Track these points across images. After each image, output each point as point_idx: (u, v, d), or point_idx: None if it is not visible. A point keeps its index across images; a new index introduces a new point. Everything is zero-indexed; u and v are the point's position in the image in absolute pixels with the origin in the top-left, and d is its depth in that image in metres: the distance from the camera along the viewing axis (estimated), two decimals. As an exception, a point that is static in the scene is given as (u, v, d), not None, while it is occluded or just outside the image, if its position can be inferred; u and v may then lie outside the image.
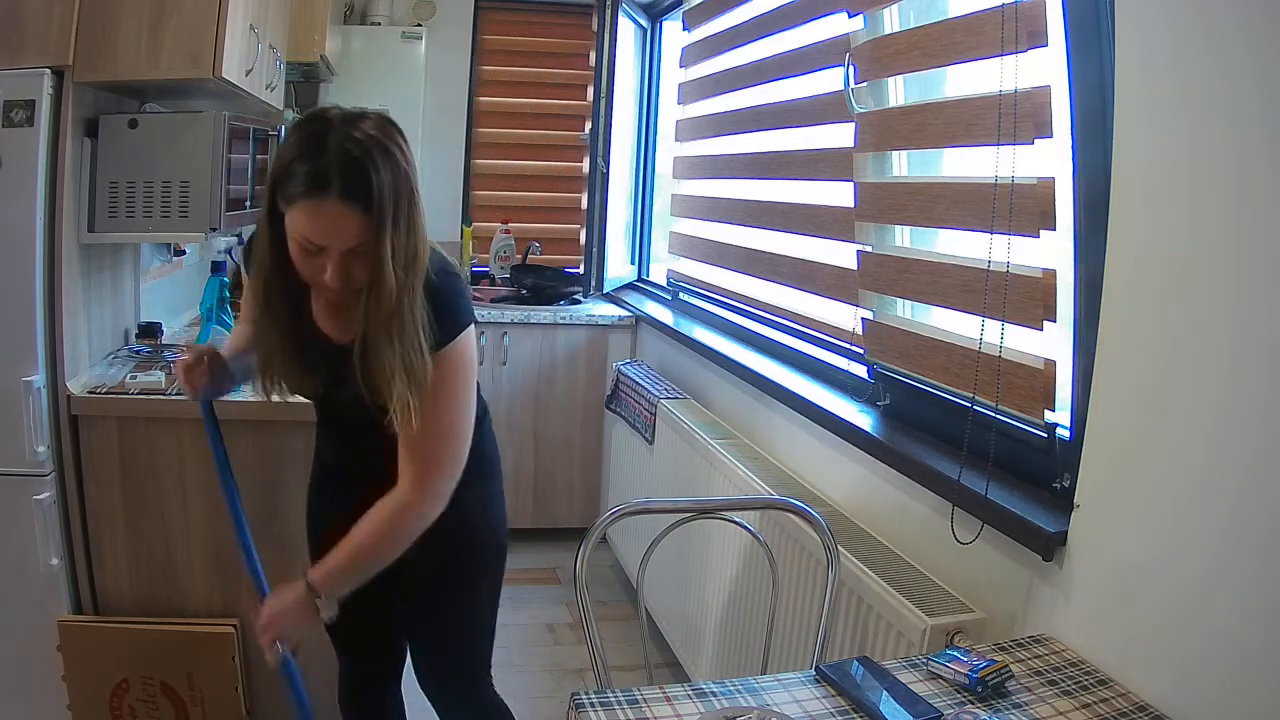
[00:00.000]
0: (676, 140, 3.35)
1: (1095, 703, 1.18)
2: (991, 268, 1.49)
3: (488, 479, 1.66)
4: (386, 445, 1.45)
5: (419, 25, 3.78)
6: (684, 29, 3.25)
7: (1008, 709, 1.16)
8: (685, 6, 3.23)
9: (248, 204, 2.45)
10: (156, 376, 2.10)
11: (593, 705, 1.15)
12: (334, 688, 1.85)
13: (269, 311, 1.44)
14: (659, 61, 3.90)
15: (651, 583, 1.79)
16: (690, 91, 3.21)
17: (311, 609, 1.43)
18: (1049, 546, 1.36)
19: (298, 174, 1.27)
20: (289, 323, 1.45)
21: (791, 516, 1.68)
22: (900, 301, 1.90)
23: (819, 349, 2.31)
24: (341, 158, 1.26)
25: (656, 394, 2.83)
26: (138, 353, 2.35)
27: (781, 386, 2.22)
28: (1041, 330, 1.45)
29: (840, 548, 1.58)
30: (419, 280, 1.36)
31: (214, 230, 2.17)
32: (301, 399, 1.56)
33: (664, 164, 3.74)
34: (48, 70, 1.88)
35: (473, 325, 1.47)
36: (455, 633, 1.70)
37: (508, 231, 3.94)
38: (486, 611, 1.73)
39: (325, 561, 1.45)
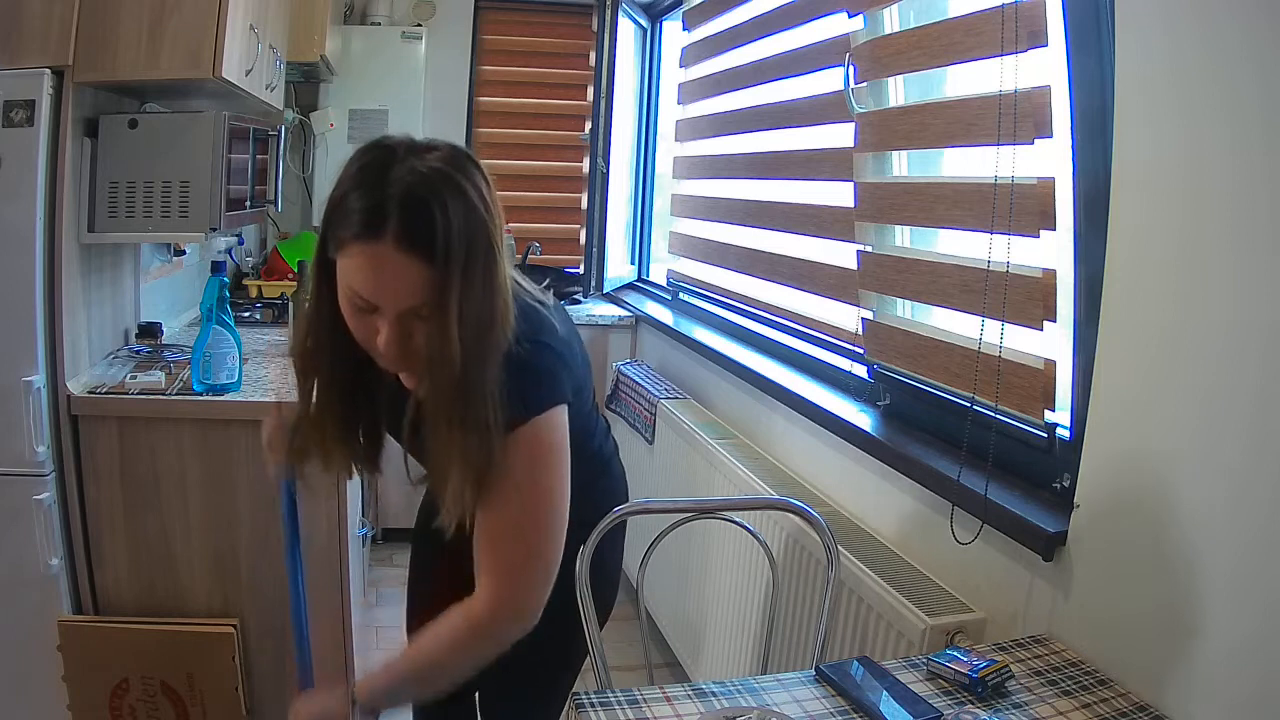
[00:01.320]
0: (676, 140, 3.34)
1: (1095, 703, 1.18)
2: (991, 268, 1.49)
3: (596, 481, 1.38)
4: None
5: (419, 25, 3.78)
6: (684, 29, 3.25)
7: (1008, 709, 1.16)
8: (685, 6, 3.23)
9: (248, 204, 2.45)
10: (156, 376, 2.10)
11: (593, 705, 1.15)
12: None
13: (312, 375, 1.23)
14: (659, 61, 3.90)
15: (651, 583, 1.79)
16: (690, 91, 3.21)
17: None
18: (1049, 546, 1.36)
19: (352, 211, 1.06)
20: (339, 386, 1.23)
21: (791, 516, 1.68)
22: (900, 301, 1.90)
23: (819, 349, 2.31)
24: (404, 193, 1.04)
25: (656, 394, 2.83)
26: (138, 353, 2.35)
27: (781, 386, 2.22)
28: (1041, 330, 1.45)
29: (840, 548, 1.58)
30: (494, 352, 1.10)
31: (214, 230, 2.17)
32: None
33: (664, 164, 3.73)
34: (48, 70, 1.88)
35: (562, 408, 1.19)
36: (497, 696, 1.48)
37: (507, 231, 3.91)
38: (535, 687, 1.47)
39: (378, 673, 1.22)
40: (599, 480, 1.50)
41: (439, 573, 1.33)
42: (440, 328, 1.05)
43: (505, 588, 1.16)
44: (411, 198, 1.04)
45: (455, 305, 1.05)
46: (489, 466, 1.12)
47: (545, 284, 1.35)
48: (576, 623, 1.38)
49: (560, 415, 1.20)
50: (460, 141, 4.14)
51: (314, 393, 1.24)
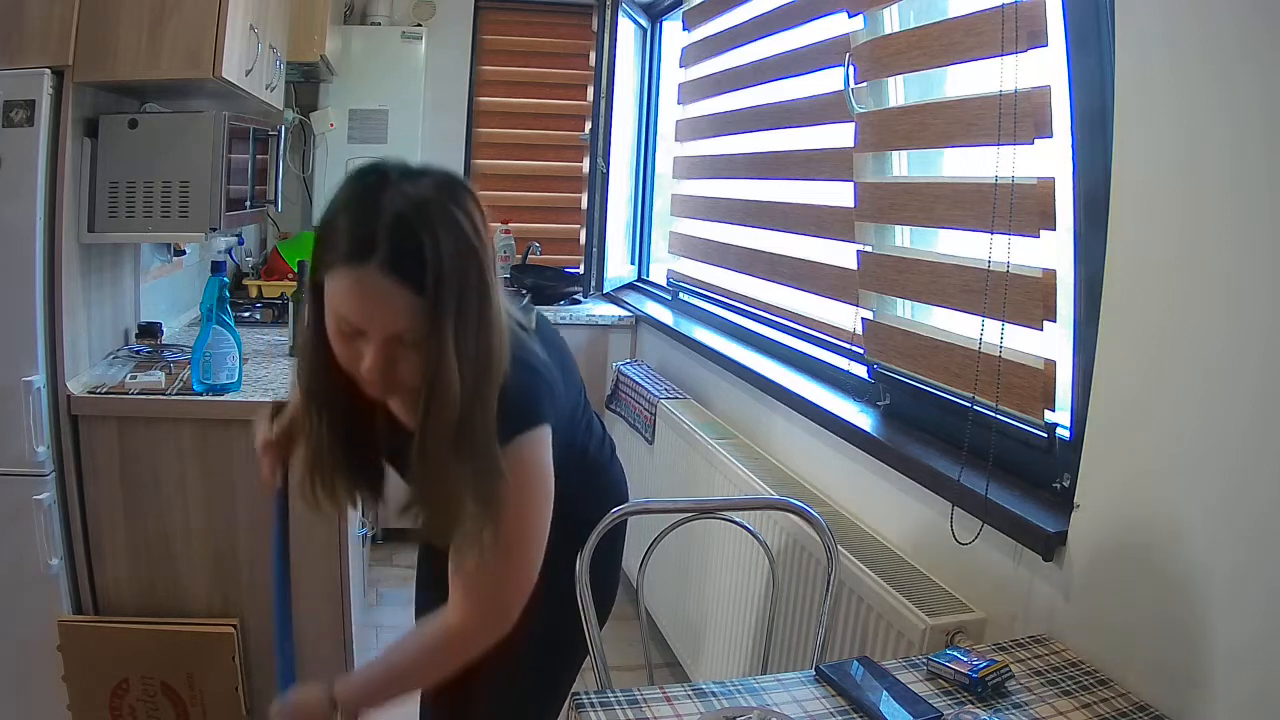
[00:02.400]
0: (676, 140, 3.35)
1: (1095, 703, 1.18)
2: (991, 268, 1.49)
3: (565, 523, 1.30)
4: None
5: (419, 25, 3.78)
6: (684, 29, 3.25)
7: (1008, 709, 1.16)
8: (685, 6, 3.23)
9: (248, 204, 2.45)
10: (156, 376, 2.10)
11: (593, 705, 1.15)
12: None
13: (313, 402, 1.20)
14: (659, 61, 3.90)
15: (651, 583, 1.79)
16: (690, 91, 3.21)
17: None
18: (1049, 546, 1.36)
19: (341, 234, 1.05)
20: (337, 417, 1.21)
21: (791, 516, 1.68)
22: (900, 301, 1.90)
23: (819, 349, 2.31)
24: (394, 219, 1.02)
25: (656, 394, 2.83)
26: (138, 353, 2.35)
27: (781, 386, 2.22)
28: (1041, 330, 1.45)
29: (840, 548, 1.58)
30: (493, 387, 1.10)
31: (214, 230, 2.17)
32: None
33: (664, 164, 3.74)
34: (48, 70, 1.88)
35: (545, 428, 1.19)
36: (492, 695, 1.44)
37: (508, 231, 3.93)
38: (533, 687, 1.47)
39: (356, 675, 1.26)
40: (596, 481, 1.51)
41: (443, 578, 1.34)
42: (438, 359, 1.04)
43: (482, 603, 1.18)
44: (401, 224, 1.02)
45: (451, 340, 1.04)
46: (499, 503, 1.12)
47: (525, 301, 1.34)
48: (577, 622, 1.40)
49: (540, 435, 1.19)
50: (461, 141, 4.13)
51: (320, 421, 1.21)
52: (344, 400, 1.19)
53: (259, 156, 2.54)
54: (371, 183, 1.06)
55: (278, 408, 1.48)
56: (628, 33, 3.77)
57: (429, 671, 1.23)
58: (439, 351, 1.04)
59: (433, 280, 1.02)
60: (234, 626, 2.08)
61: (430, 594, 1.56)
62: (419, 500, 1.16)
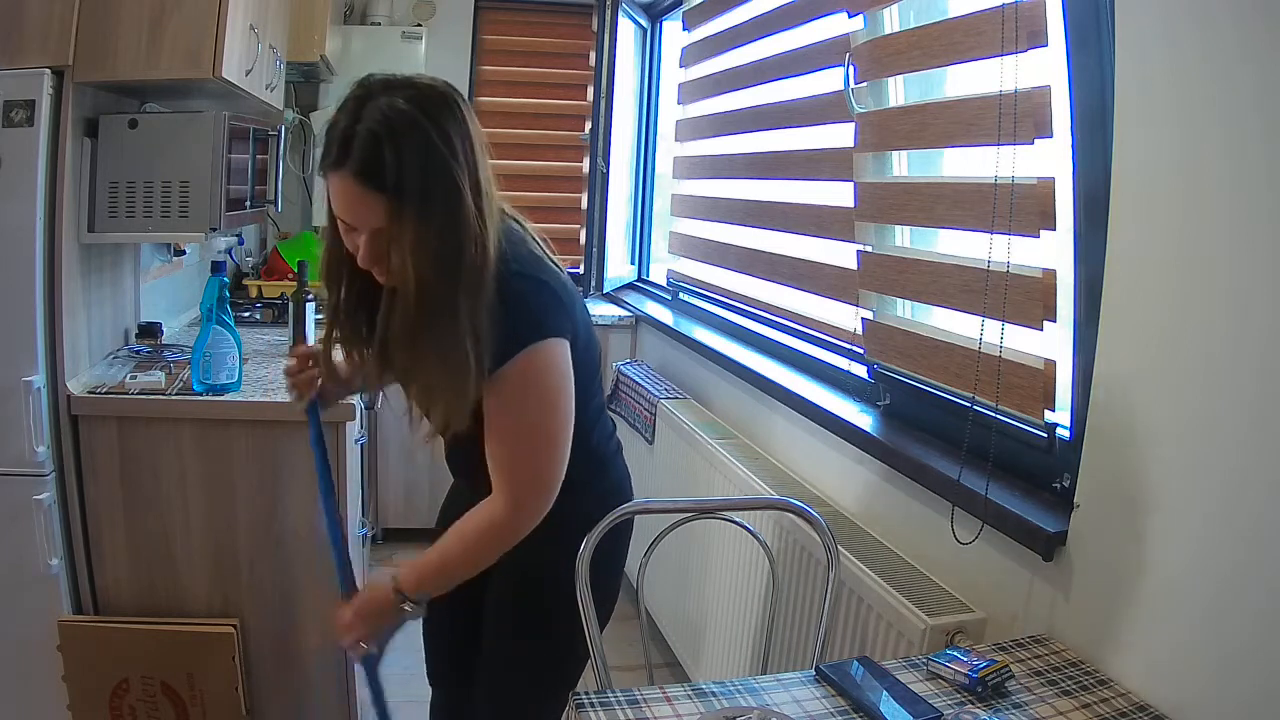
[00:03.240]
0: (676, 140, 3.34)
1: (1095, 703, 1.18)
2: (991, 268, 1.49)
3: (567, 520, 1.36)
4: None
5: (419, 25, 3.78)
6: (684, 29, 3.25)
7: (1008, 709, 1.16)
8: (685, 6, 3.23)
9: (248, 204, 2.45)
10: (156, 376, 2.10)
11: (593, 705, 1.15)
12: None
13: (331, 283, 1.35)
14: (659, 61, 3.90)
15: (651, 583, 1.79)
16: (690, 91, 3.21)
17: (397, 610, 1.34)
18: (1049, 546, 1.36)
19: (330, 140, 1.18)
20: (351, 296, 1.34)
21: (791, 516, 1.68)
22: (900, 301, 1.90)
23: (819, 349, 2.31)
24: (367, 131, 1.14)
25: (656, 394, 2.83)
26: (138, 353, 2.35)
27: (781, 386, 2.22)
28: (1041, 330, 1.45)
29: (840, 548, 1.58)
30: (461, 286, 1.19)
31: (214, 230, 2.17)
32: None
33: (664, 164, 3.73)
34: (48, 70, 1.88)
35: (554, 340, 1.27)
36: (491, 694, 1.52)
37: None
38: (532, 687, 1.51)
39: (415, 563, 1.36)
40: (600, 480, 1.51)
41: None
42: (398, 263, 1.17)
43: (515, 495, 1.30)
44: (371, 136, 1.14)
45: (410, 236, 1.15)
46: (466, 398, 1.23)
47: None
48: (580, 623, 1.39)
49: (557, 347, 1.28)
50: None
51: (336, 298, 1.35)
52: (357, 282, 1.31)
53: (259, 156, 2.54)
54: (360, 94, 1.18)
55: (302, 347, 1.62)
56: (628, 33, 3.77)
57: (476, 557, 1.34)
58: (399, 252, 1.17)
59: (393, 184, 1.14)
60: (234, 626, 2.08)
61: (460, 481, 1.60)
62: (400, 381, 1.32)
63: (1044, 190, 1.43)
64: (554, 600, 1.40)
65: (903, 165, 1.92)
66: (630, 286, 4.00)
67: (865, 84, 1.96)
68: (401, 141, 1.13)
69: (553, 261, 1.39)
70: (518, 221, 1.42)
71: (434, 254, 1.17)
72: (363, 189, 1.16)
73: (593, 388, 1.48)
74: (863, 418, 1.93)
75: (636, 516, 1.51)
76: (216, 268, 2.05)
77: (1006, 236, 1.47)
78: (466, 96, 1.29)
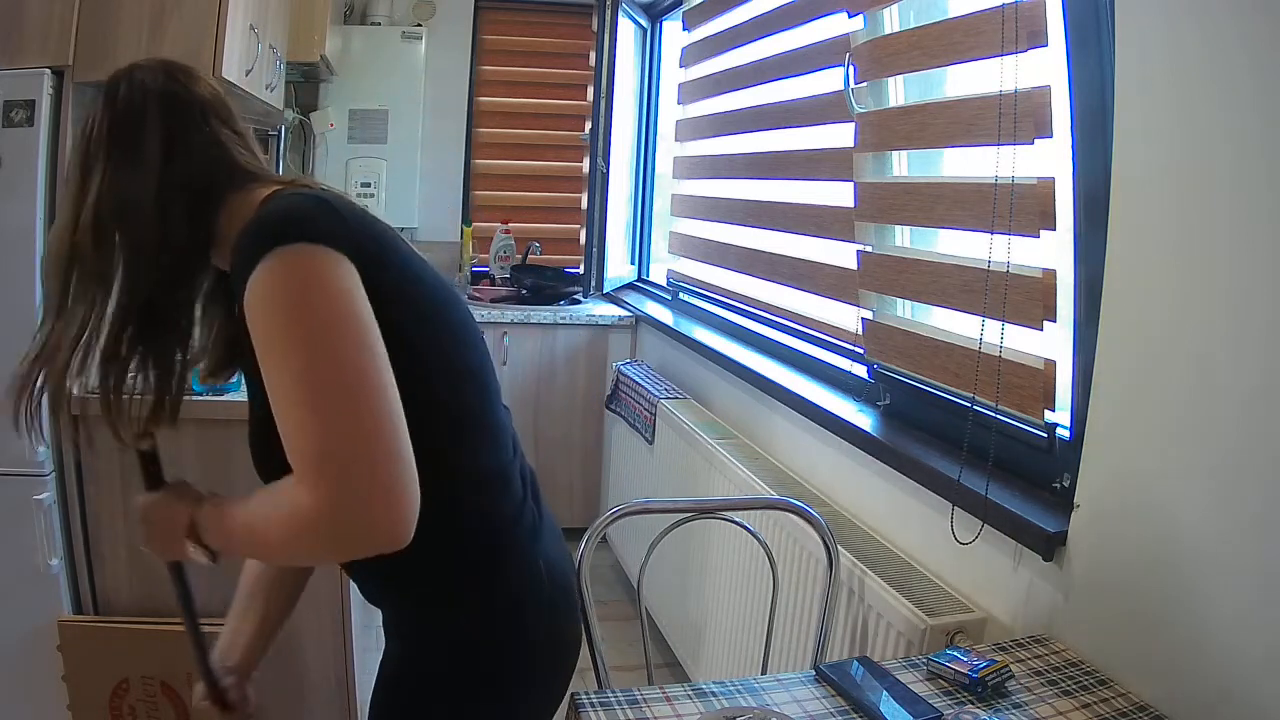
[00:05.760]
0: (676, 140, 3.35)
1: (1095, 703, 1.18)
2: (991, 268, 1.49)
3: (465, 595, 1.06)
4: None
5: (419, 25, 3.78)
6: (684, 29, 3.25)
7: (1008, 709, 1.16)
8: (685, 6, 3.23)
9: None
10: (156, 376, 2.10)
11: (593, 705, 1.15)
12: None
13: None
14: (659, 61, 3.91)
15: (651, 583, 1.79)
16: (690, 91, 3.21)
17: (183, 536, 1.10)
18: (1049, 546, 1.36)
19: None
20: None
21: (791, 516, 1.68)
22: (900, 301, 1.90)
23: (819, 349, 2.31)
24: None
25: (656, 394, 2.83)
26: (138, 353, 2.35)
27: (781, 386, 2.22)
28: (1041, 330, 1.45)
29: (840, 548, 1.59)
30: (123, 244, 1.02)
31: (214, 230, 2.16)
32: None
33: (664, 164, 3.74)
34: (48, 70, 1.88)
35: (320, 249, 0.90)
36: None
37: (508, 231, 3.94)
38: None
39: (228, 510, 1.06)
40: (495, 577, 1.07)
41: None
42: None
43: (316, 481, 0.86)
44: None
45: (86, 197, 1.04)
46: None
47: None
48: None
49: (317, 254, 0.90)
50: (460, 141, 4.10)
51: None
52: None
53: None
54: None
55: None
56: (628, 33, 3.77)
57: (277, 543, 0.98)
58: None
59: (83, 146, 1.06)
60: (234, 626, 2.08)
61: None
62: None
63: (1044, 190, 1.43)
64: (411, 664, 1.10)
65: (903, 165, 1.92)
66: (630, 286, 4.00)
67: (865, 84, 1.96)
68: (99, 106, 1.13)
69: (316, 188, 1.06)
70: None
71: (98, 206, 1.07)
72: None
73: (467, 394, 1.06)
74: (863, 418, 1.93)
75: (637, 517, 1.51)
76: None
77: (1006, 236, 1.47)
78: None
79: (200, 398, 2.06)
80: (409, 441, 0.88)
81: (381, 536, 0.87)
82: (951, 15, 1.69)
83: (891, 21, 1.91)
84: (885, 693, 1.16)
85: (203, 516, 1.07)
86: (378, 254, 0.97)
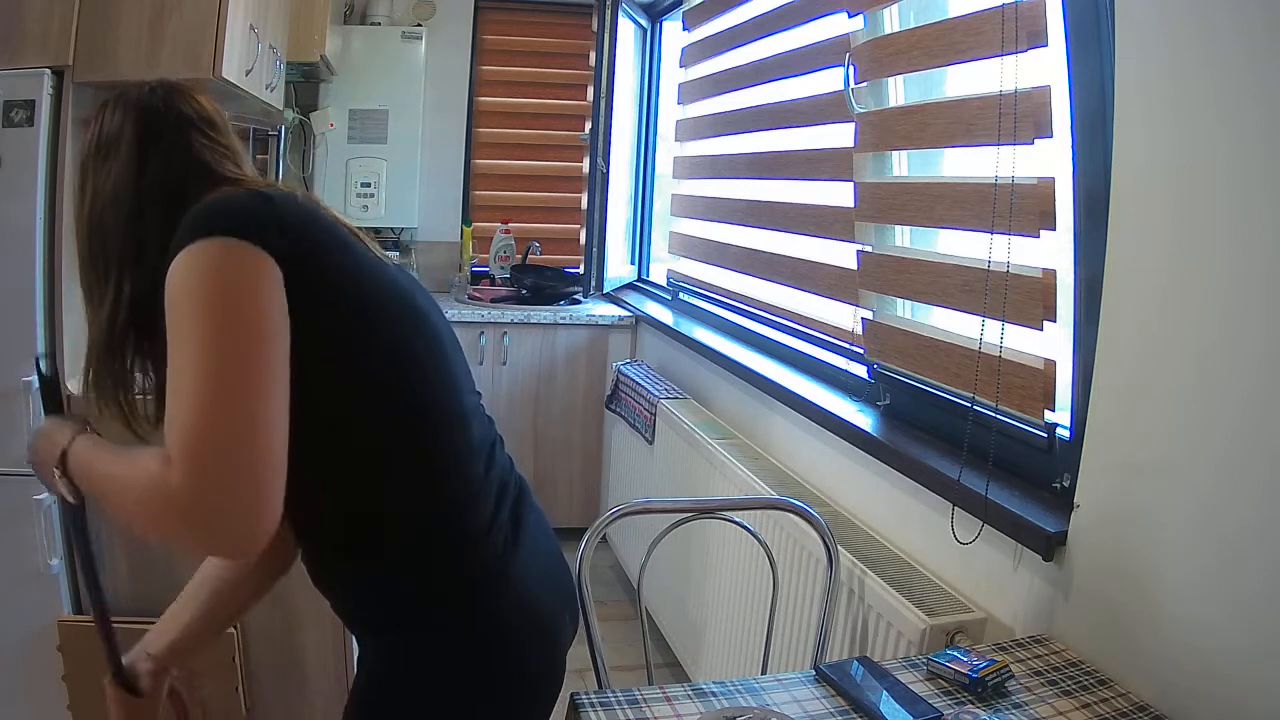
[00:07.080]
0: (676, 140, 3.35)
1: (1095, 703, 1.18)
2: (991, 268, 1.49)
3: (421, 623, 1.05)
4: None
5: (419, 25, 3.78)
6: (684, 29, 3.25)
7: (1008, 709, 1.16)
8: (685, 6, 3.23)
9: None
10: (156, 376, 2.10)
11: (593, 705, 1.15)
12: None
13: None
14: (659, 61, 3.91)
15: (651, 583, 1.79)
16: (690, 91, 3.21)
17: (52, 464, 1.12)
18: (1049, 546, 1.36)
19: None
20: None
21: (791, 516, 1.68)
22: (900, 301, 1.90)
23: (819, 349, 2.31)
24: None
25: (656, 394, 2.83)
26: (138, 353, 2.35)
27: (781, 386, 2.22)
28: (1041, 330, 1.45)
29: (840, 548, 1.58)
30: (98, 221, 1.06)
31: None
32: None
33: (664, 164, 3.74)
34: (48, 70, 1.88)
35: (225, 239, 0.92)
36: None
37: (508, 231, 3.94)
38: None
39: (99, 450, 1.10)
40: (476, 608, 1.05)
41: None
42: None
43: (176, 456, 0.88)
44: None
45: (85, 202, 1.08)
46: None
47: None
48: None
49: (236, 250, 0.92)
50: (460, 141, 4.10)
51: None
52: None
53: (259, 156, 2.55)
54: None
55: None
56: (628, 33, 3.77)
57: (130, 504, 0.99)
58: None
59: (80, 160, 1.10)
60: (234, 627, 2.08)
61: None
62: None
63: (1044, 190, 1.43)
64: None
65: (903, 165, 1.92)
66: (630, 286, 4.00)
67: (865, 84, 1.96)
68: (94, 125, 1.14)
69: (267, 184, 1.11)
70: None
71: (86, 217, 1.11)
72: None
73: (435, 408, 1.07)
74: (863, 418, 1.93)
75: (638, 517, 1.51)
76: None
77: (1006, 236, 1.47)
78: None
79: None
80: (285, 454, 0.90)
81: (234, 535, 0.89)
82: (951, 15, 1.69)
83: (891, 21, 1.91)
84: (885, 693, 1.16)
85: (73, 451, 1.09)
86: (317, 253, 1.00)
